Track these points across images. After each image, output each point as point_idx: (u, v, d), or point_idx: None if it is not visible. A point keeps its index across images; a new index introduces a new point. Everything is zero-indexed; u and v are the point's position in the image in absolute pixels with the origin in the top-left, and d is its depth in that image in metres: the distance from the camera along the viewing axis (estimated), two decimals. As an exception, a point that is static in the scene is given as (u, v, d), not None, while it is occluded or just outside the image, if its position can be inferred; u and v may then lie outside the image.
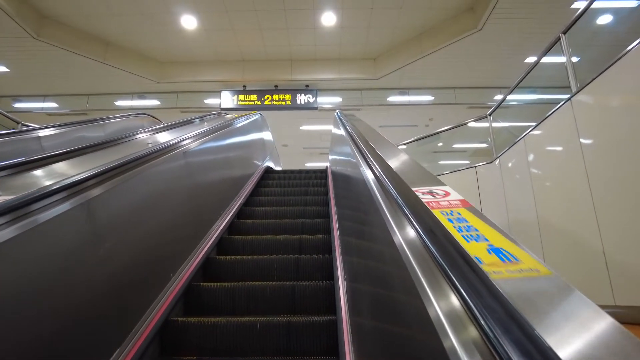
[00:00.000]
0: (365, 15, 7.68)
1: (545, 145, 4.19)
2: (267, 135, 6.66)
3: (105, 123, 4.90)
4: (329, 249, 2.52)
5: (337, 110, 4.36)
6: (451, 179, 6.58)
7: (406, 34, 8.29)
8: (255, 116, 5.69)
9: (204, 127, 3.55)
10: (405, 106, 9.90)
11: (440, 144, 9.49)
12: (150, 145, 2.73)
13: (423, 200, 1.04)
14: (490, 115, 6.51)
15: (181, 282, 2.02)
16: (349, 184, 2.15)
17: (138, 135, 3.03)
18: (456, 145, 12.81)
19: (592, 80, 3.34)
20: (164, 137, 3.02)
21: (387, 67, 8.90)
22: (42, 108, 9.76)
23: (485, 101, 10.03)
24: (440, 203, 1.10)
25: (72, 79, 9.19)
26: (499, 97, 9.87)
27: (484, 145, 13.77)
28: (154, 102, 9.94)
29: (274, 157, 7.34)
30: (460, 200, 1.13)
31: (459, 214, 1.06)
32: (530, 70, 5.37)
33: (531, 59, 8.64)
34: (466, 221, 1.02)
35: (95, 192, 1.45)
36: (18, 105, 9.91)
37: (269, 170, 5.38)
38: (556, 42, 4.52)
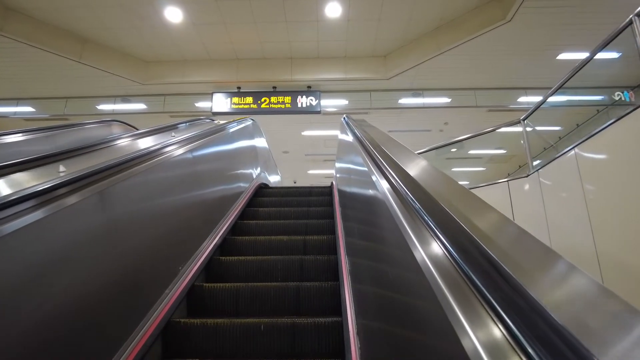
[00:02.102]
0: (375, 5, 6.69)
1: (609, 158, 3.32)
2: (260, 143, 5.68)
3: (56, 134, 3.94)
4: (339, 348, 1.52)
5: (344, 116, 3.55)
6: (478, 195, 5.54)
7: (422, 27, 7.28)
8: (244, 123, 4.71)
9: (169, 139, 2.60)
10: (418, 109, 8.89)
11: (453, 150, 8.57)
12: (61, 173, 1.81)
13: None
14: (524, 120, 5.54)
15: None
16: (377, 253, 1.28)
17: (57, 156, 2.07)
18: (472, 152, 11.87)
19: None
20: (92, 160, 2.06)
21: (399, 65, 7.89)
22: (15, 113, 8.83)
23: (507, 104, 9.02)
24: None
25: (47, 81, 8.27)
26: (523, 99, 8.88)
27: (502, 151, 12.83)
28: (139, 106, 8.99)
29: (270, 167, 6.38)
30: None
31: None
32: (582, 67, 4.43)
33: (565, 56, 7.63)
34: None
35: None
36: (-10, 109, 9.00)
37: (259, 190, 4.38)
38: (625, 28, 3.49)
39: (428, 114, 9.21)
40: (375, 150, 1.53)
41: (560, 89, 4.93)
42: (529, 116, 5.38)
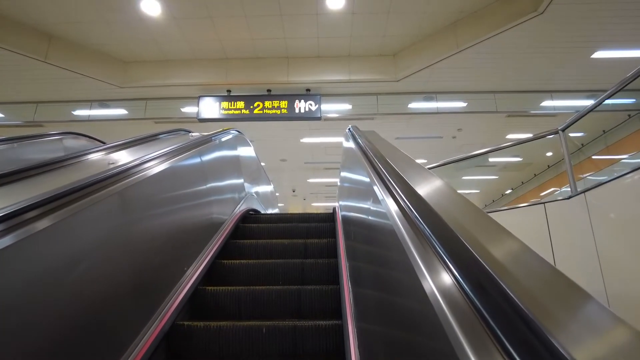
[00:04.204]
0: (384, -5, 5.75)
1: None
2: (246, 154, 4.73)
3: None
4: None
5: (350, 127, 3.01)
6: (506, 220, 4.58)
7: (438, 21, 6.32)
8: (226, 135, 3.77)
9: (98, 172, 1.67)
10: (431, 115, 7.92)
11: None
12: None
13: None
14: (563, 130, 4.51)
15: None
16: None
17: None
18: (489, 159, 10.93)
19: None
20: None
21: (411, 65, 6.94)
22: (-20, 119, 7.92)
23: (530, 108, 8.07)
24: None
25: (13, 83, 7.33)
26: (548, 103, 7.92)
27: (519, 159, 11.78)
28: (120, 112, 8.05)
29: (260, 180, 5.46)
30: None
31: None
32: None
33: (601, 54, 6.65)
34: None
35: None
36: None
37: (241, 225, 3.42)
38: None
39: (440, 120, 8.26)
40: (384, 168, 1.41)
41: (618, 92, 3.91)
42: (569, 126, 4.38)
